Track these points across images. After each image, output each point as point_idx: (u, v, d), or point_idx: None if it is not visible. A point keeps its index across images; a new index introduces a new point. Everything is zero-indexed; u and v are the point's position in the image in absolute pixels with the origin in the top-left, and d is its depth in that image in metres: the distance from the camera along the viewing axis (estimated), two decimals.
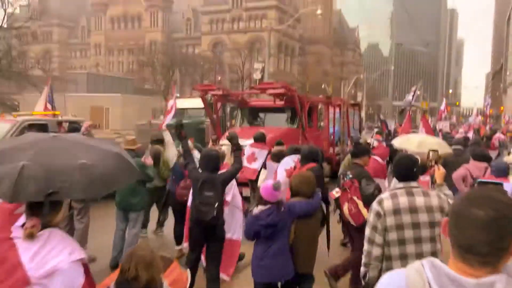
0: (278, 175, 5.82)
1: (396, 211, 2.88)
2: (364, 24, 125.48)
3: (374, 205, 2.98)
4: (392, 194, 2.97)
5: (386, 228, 2.89)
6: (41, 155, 2.01)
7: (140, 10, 74.18)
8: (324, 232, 4.71)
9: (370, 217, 3.00)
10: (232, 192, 5.30)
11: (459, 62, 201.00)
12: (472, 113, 18.78)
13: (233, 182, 5.24)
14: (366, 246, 3.00)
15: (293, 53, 72.46)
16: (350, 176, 4.68)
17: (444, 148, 5.89)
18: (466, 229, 1.16)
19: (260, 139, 7.77)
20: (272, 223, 3.71)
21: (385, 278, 1.37)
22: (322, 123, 11.08)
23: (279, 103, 10.88)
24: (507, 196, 1.19)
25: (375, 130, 11.90)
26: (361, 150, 5.30)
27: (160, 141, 6.66)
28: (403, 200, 2.90)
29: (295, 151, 6.22)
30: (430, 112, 59.95)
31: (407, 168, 3.05)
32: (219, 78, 41.82)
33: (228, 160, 6.86)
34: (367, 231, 3.00)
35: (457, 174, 5.84)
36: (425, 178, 4.73)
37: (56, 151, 2.09)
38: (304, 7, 57.60)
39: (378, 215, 2.92)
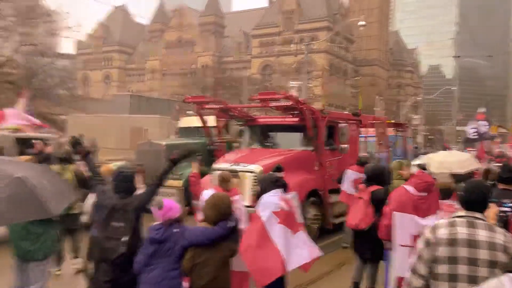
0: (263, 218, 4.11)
1: (452, 242, 2.54)
2: (425, 45, 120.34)
3: (426, 232, 2.70)
4: (450, 222, 2.65)
5: (436, 258, 2.56)
6: None
7: (193, 35, 75.88)
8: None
9: (418, 244, 2.71)
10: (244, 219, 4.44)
11: None
12: None
13: (243, 208, 4.54)
14: (409, 276, 2.73)
15: (345, 75, 70.07)
16: (510, 205, 4.15)
17: (469, 166, 5.11)
18: None
19: (364, 163, 7.09)
20: (156, 239, 3.30)
21: None
22: (346, 145, 8.96)
23: (294, 119, 9.06)
24: None
25: None
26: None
27: (67, 160, 5.24)
28: (462, 231, 2.56)
29: (274, 183, 4.44)
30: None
31: (477, 197, 2.67)
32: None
33: (235, 185, 5.59)
34: (413, 259, 2.74)
35: None
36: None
37: None
38: (357, 28, 55.23)
39: (427, 243, 2.62)
